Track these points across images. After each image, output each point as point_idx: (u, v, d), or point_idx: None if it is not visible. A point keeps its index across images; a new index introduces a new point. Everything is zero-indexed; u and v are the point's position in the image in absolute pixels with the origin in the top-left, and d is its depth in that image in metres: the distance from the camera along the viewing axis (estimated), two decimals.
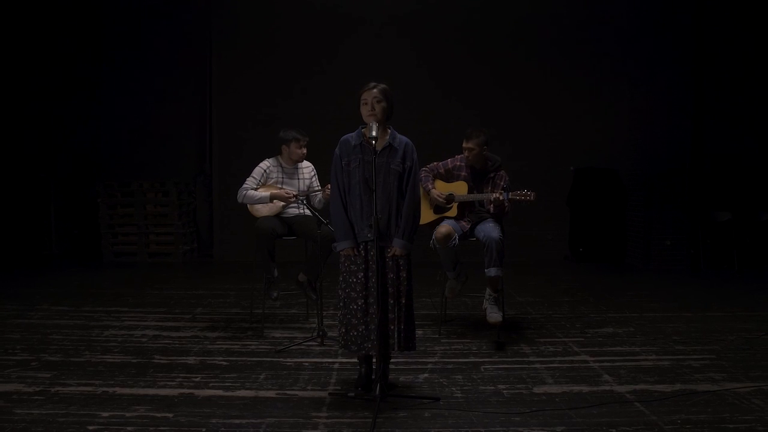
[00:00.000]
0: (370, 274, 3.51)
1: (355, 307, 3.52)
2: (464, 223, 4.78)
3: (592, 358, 4.27)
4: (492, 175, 4.80)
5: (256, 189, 5.01)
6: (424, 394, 3.59)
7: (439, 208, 4.85)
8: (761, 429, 3.08)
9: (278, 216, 5.01)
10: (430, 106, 8.78)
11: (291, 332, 5.00)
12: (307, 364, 4.17)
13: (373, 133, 3.42)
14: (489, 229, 4.58)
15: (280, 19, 9.00)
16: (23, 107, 9.15)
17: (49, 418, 3.23)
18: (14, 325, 5.16)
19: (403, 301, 3.53)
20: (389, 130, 3.59)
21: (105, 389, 3.67)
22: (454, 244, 4.63)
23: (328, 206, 3.96)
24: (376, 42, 8.83)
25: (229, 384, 3.77)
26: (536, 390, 3.68)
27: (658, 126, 8.86)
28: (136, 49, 9.23)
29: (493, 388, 3.71)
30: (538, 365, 4.14)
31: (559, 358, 4.29)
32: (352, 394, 3.56)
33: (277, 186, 5.07)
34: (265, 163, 5.10)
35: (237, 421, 3.20)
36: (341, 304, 3.59)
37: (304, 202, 5.05)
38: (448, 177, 4.91)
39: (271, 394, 3.62)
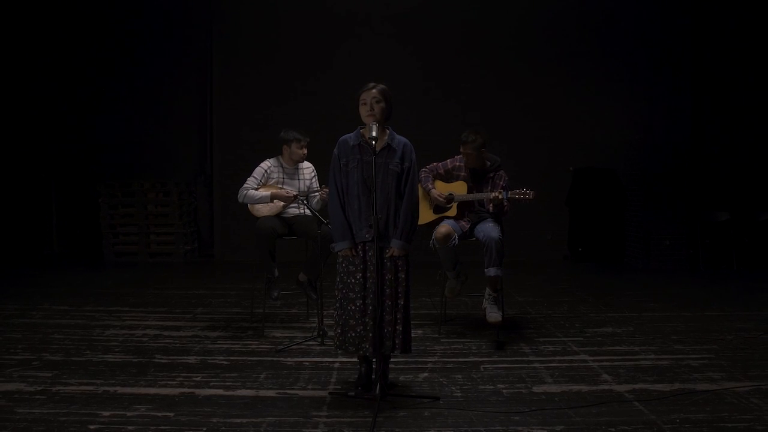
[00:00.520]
0: (368, 274, 3.51)
1: (353, 307, 3.52)
2: (464, 223, 4.79)
3: (592, 358, 4.29)
4: (491, 175, 4.81)
5: (256, 189, 5.02)
6: (424, 394, 3.60)
7: (439, 208, 4.86)
8: (760, 428, 3.09)
9: (279, 216, 5.02)
10: (430, 106, 8.80)
11: (291, 332, 5.02)
12: (307, 363, 4.19)
13: (373, 134, 3.42)
14: (489, 229, 4.59)
15: (281, 20, 9.03)
16: (25, 108, 9.17)
17: (50, 418, 3.24)
18: (16, 325, 5.18)
19: (401, 302, 3.53)
20: (388, 131, 3.59)
21: (106, 388, 3.68)
22: (454, 243, 4.64)
23: (326, 207, 3.97)
24: (375, 43, 8.85)
25: (230, 383, 3.79)
26: (536, 389, 3.69)
27: (656, 126, 8.88)
28: (138, 50, 9.25)
29: (492, 387, 3.73)
30: (537, 365, 4.15)
31: (558, 358, 4.30)
32: (353, 394, 3.57)
33: (278, 186, 5.08)
34: (266, 163, 5.12)
35: (237, 421, 3.21)
36: (338, 304, 3.59)
37: (305, 202, 5.06)
38: (448, 177, 4.92)
39: (271, 393, 3.63)
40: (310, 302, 5.29)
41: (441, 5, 8.97)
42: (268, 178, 5.08)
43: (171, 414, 3.30)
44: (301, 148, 5.08)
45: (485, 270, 4.56)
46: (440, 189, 4.87)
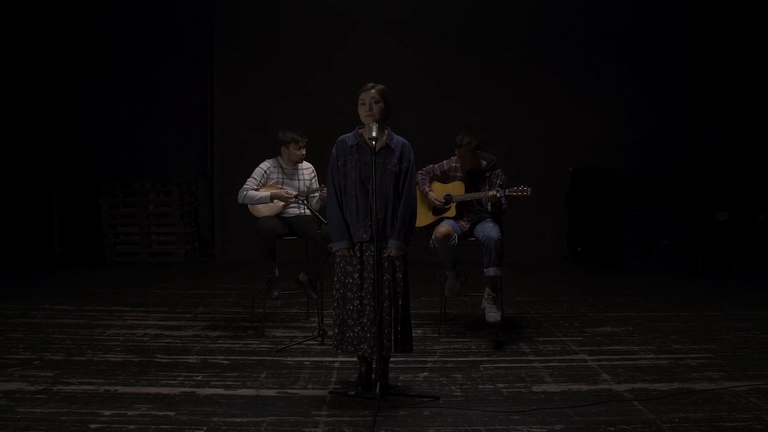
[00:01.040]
0: (365, 275, 3.52)
1: (350, 307, 3.53)
2: (463, 223, 4.80)
3: (591, 357, 4.30)
4: (488, 174, 4.82)
5: (256, 189, 5.03)
6: (424, 393, 3.61)
7: (438, 210, 4.88)
8: (758, 427, 3.10)
9: (279, 216, 5.04)
10: (430, 107, 8.81)
11: (292, 331, 5.03)
12: (307, 363, 4.20)
13: (373, 134, 3.43)
14: (488, 229, 4.61)
15: (282, 21, 9.04)
16: (26, 108, 9.18)
17: (51, 417, 3.25)
18: (17, 324, 5.19)
19: (400, 302, 3.54)
20: (386, 131, 3.59)
21: (107, 388, 3.69)
22: (454, 244, 4.66)
23: (324, 207, 3.98)
24: (375, 44, 8.86)
25: (231, 383, 3.80)
26: (535, 389, 3.70)
27: (656, 127, 8.92)
28: (139, 50, 9.27)
29: (492, 386, 3.74)
30: (537, 364, 4.17)
31: (557, 357, 4.31)
32: (353, 393, 3.58)
33: (278, 186, 5.09)
34: (266, 164, 5.13)
35: (238, 420, 3.23)
36: (335, 304, 3.60)
37: (305, 202, 5.08)
38: (445, 178, 4.94)
39: (272, 392, 3.64)
40: (311, 302, 5.31)
41: (441, 5, 8.98)
42: (267, 178, 5.10)
43: (172, 413, 3.31)
44: (299, 149, 5.09)
45: (484, 270, 4.57)
46: (438, 190, 4.89)
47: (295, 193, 5.02)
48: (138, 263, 8.89)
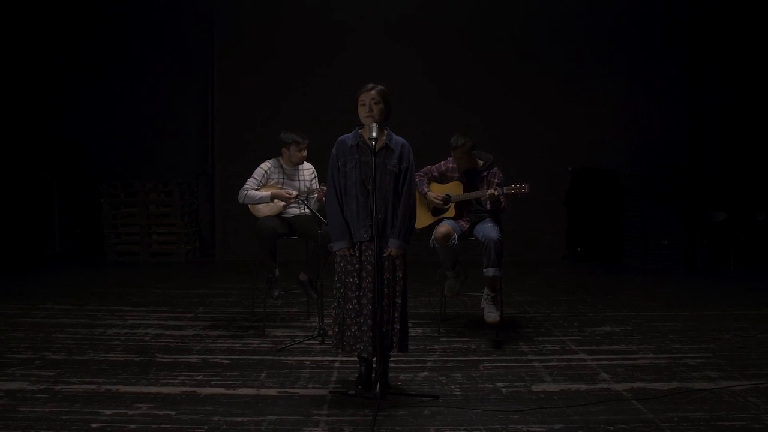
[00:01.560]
0: (365, 274, 3.54)
1: (350, 307, 3.55)
2: (463, 223, 4.82)
3: (590, 357, 4.31)
4: (485, 173, 4.83)
5: (257, 190, 5.05)
6: (424, 392, 3.62)
7: (438, 210, 4.89)
8: (757, 426, 3.12)
9: (279, 216, 5.05)
10: (429, 107, 8.82)
11: (292, 331, 5.04)
12: (308, 362, 4.21)
13: (373, 134, 3.44)
14: (488, 230, 4.62)
15: (282, 21, 9.05)
16: (27, 108, 9.19)
17: (52, 416, 3.27)
18: (18, 324, 5.20)
19: (399, 301, 3.55)
20: (386, 131, 3.61)
21: (108, 387, 3.71)
22: (454, 243, 4.67)
23: (323, 207, 3.99)
24: (375, 44, 8.87)
25: (231, 382, 3.81)
26: (534, 388, 3.71)
27: (655, 127, 8.93)
28: (140, 50, 9.27)
29: (491, 386, 3.75)
30: (536, 363, 4.18)
31: (557, 357, 4.33)
32: (353, 392, 3.60)
33: (278, 187, 5.11)
34: (266, 164, 5.14)
35: (239, 419, 3.24)
36: (336, 303, 3.61)
37: (305, 202, 5.09)
38: (442, 179, 4.95)
39: (272, 392, 3.66)
40: (311, 302, 5.32)
41: (441, 6, 9.00)
42: (268, 179, 5.11)
43: (173, 413, 3.33)
44: (300, 151, 5.10)
45: (484, 270, 4.59)
46: (436, 191, 4.90)
47: (295, 193, 5.04)
48: (139, 263, 8.90)
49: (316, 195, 5.15)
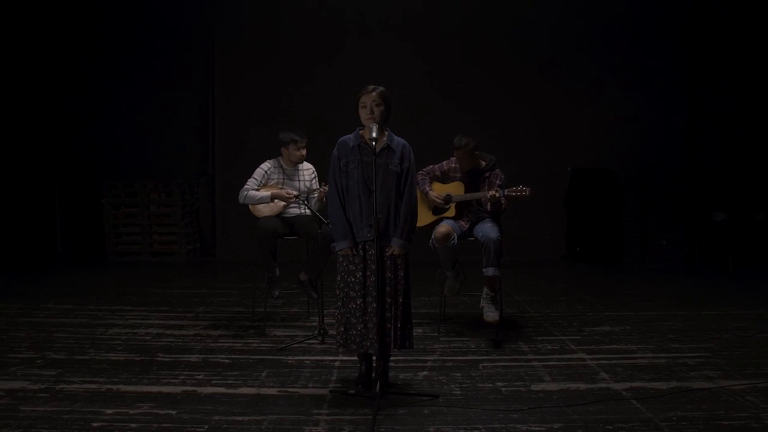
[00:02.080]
0: (368, 273, 3.56)
1: (353, 306, 3.56)
2: (463, 223, 4.83)
3: (589, 356, 4.33)
4: (487, 174, 4.84)
5: (257, 190, 5.06)
6: (424, 392, 3.63)
7: (438, 209, 4.90)
8: (756, 426, 3.13)
9: (279, 216, 5.06)
10: (429, 108, 8.83)
11: (292, 330, 5.06)
12: (308, 361, 4.23)
13: (373, 134, 3.46)
14: (487, 229, 4.63)
15: (283, 22, 9.07)
16: (29, 108, 9.20)
17: (53, 415, 3.28)
18: (20, 324, 5.22)
19: (401, 300, 3.58)
20: (387, 132, 3.63)
21: (109, 387, 3.72)
22: (453, 243, 4.68)
23: (323, 207, 3.99)
24: (375, 45, 8.89)
25: (232, 381, 3.83)
26: (534, 387, 3.73)
27: (654, 127, 8.94)
28: (141, 51, 9.28)
29: (491, 385, 3.76)
30: (535, 363, 4.19)
31: (556, 356, 4.34)
32: (353, 392, 3.61)
33: (278, 187, 5.12)
34: (266, 165, 5.16)
35: (239, 418, 3.25)
36: (339, 303, 3.63)
37: (305, 202, 5.10)
38: (445, 179, 4.96)
39: (272, 391, 3.67)
40: (311, 301, 5.33)
41: (440, 7, 9.01)
42: (268, 179, 5.12)
43: (173, 412, 3.34)
44: (299, 150, 5.12)
45: (483, 270, 4.60)
46: (437, 190, 4.91)
47: (295, 193, 5.05)
48: (140, 263, 8.92)
49: (316, 195, 5.16)
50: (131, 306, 5.95)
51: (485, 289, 4.71)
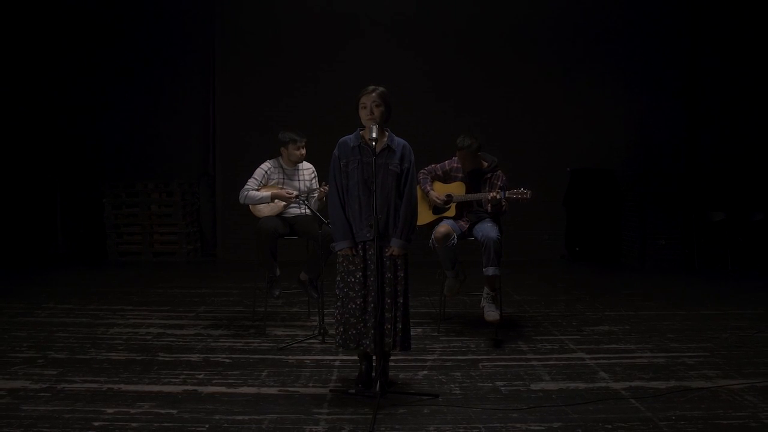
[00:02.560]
0: (368, 273, 3.57)
1: (353, 306, 3.57)
2: (463, 223, 4.84)
3: (589, 356, 4.34)
4: (489, 175, 4.86)
5: (257, 190, 5.07)
6: (424, 391, 3.64)
7: (438, 209, 4.91)
8: (754, 425, 3.14)
9: (280, 216, 5.08)
10: (429, 108, 8.85)
11: (293, 330, 5.07)
12: (308, 361, 4.24)
13: (373, 135, 3.47)
14: (487, 229, 4.65)
15: (283, 22, 9.09)
16: (30, 109, 9.21)
17: (55, 415, 3.28)
18: (21, 323, 5.23)
19: (401, 301, 3.58)
20: (387, 132, 3.64)
21: (110, 386, 3.73)
22: (453, 243, 4.69)
23: (323, 207, 4.00)
24: (376, 45, 8.90)
25: (232, 381, 3.84)
26: (533, 387, 3.73)
27: (653, 128, 8.96)
28: (142, 52, 9.29)
29: (491, 385, 3.77)
30: (535, 362, 4.20)
31: (555, 356, 4.35)
32: (353, 391, 3.62)
33: (278, 187, 5.13)
34: (266, 165, 5.17)
35: (240, 418, 3.26)
36: (339, 303, 3.63)
37: (305, 202, 5.11)
38: (446, 178, 4.97)
39: (273, 391, 3.68)
40: (311, 301, 5.35)
41: (440, 8, 9.02)
42: (268, 179, 5.14)
43: (174, 411, 3.35)
44: (299, 149, 5.13)
45: (483, 269, 4.61)
46: (439, 190, 4.92)
47: (295, 193, 5.06)
48: (140, 263, 8.93)
49: (316, 195, 5.17)
50: (132, 305, 5.96)
51: (485, 289, 4.72)
